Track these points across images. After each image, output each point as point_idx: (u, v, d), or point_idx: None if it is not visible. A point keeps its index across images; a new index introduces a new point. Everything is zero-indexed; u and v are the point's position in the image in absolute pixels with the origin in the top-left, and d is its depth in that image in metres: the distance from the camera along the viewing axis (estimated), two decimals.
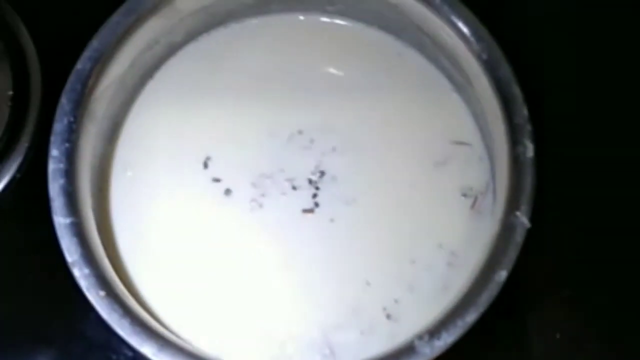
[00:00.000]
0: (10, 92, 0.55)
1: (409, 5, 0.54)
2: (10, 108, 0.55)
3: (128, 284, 0.51)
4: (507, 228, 0.48)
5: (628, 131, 0.57)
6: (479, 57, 0.51)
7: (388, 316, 0.52)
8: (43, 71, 0.57)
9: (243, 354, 0.51)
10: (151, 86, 0.58)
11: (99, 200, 0.54)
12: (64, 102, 0.51)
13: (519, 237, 0.47)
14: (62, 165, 0.50)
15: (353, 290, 0.53)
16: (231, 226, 0.54)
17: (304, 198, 0.55)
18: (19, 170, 0.55)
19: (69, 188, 0.49)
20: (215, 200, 0.55)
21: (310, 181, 0.55)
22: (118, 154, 0.56)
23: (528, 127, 0.50)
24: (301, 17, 0.59)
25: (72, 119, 0.50)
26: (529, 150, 0.49)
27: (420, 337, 0.46)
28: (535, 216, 0.48)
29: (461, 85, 0.56)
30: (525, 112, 0.50)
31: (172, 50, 0.58)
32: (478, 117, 0.55)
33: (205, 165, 0.56)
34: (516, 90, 0.50)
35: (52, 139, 0.50)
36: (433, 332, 0.46)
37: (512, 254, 0.47)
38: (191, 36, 0.58)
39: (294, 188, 0.55)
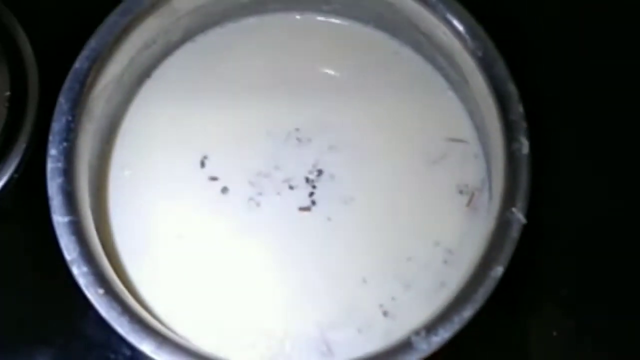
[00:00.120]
0: (8, 93, 0.55)
1: (405, 4, 0.54)
2: (8, 109, 0.55)
3: (126, 282, 0.51)
4: (503, 224, 0.48)
5: (625, 127, 0.58)
6: (474, 55, 0.52)
7: (385, 313, 0.52)
8: (40, 72, 0.57)
9: (241, 351, 0.51)
10: (148, 85, 0.58)
11: (97, 199, 0.54)
12: (62, 102, 0.51)
13: (515, 233, 0.47)
14: (60, 164, 0.50)
15: (350, 288, 0.53)
16: (228, 224, 0.54)
17: (301, 197, 0.55)
18: (16, 170, 0.55)
19: (68, 187, 0.49)
20: (212, 198, 0.55)
21: (307, 180, 0.55)
22: (116, 153, 0.56)
23: (523, 124, 0.50)
24: (297, 17, 0.59)
25: (70, 118, 0.51)
26: (525, 147, 0.49)
27: (417, 332, 0.46)
28: (532, 213, 0.48)
29: (457, 83, 0.56)
30: (520, 109, 0.50)
31: (169, 49, 0.58)
32: (474, 115, 0.55)
33: (202, 164, 0.56)
34: (511, 88, 0.51)
35: (51, 138, 0.50)
36: (430, 327, 0.46)
37: (508, 250, 0.47)
38: (188, 36, 0.58)
39: (291, 187, 0.55)
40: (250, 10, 0.58)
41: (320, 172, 0.55)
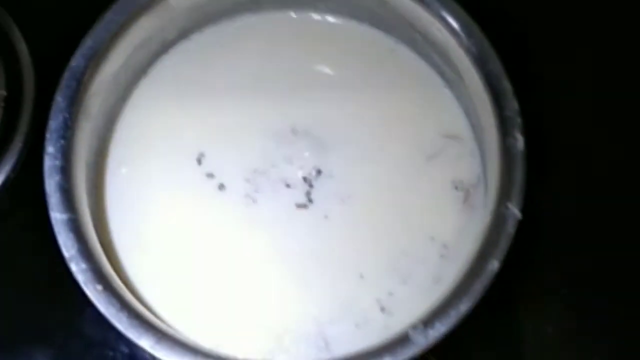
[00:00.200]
0: (3, 92, 0.55)
1: (400, 2, 0.54)
2: (4, 108, 0.55)
3: (124, 278, 0.52)
4: (498, 219, 0.48)
5: (621, 122, 0.58)
6: (469, 52, 0.52)
7: (382, 309, 0.52)
8: (36, 71, 0.57)
9: (239, 347, 0.51)
10: (145, 83, 0.58)
11: (94, 197, 0.54)
12: (59, 100, 0.51)
13: (510, 228, 0.48)
14: (57, 162, 0.50)
15: (347, 284, 0.53)
16: (225, 221, 0.54)
17: (298, 194, 0.55)
18: (13, 169, 0.55)
19: (65, 184, 0.49)
20: (209, 195, 0.55)
21: (303, 177, 0.55)
22: (112, 151, 0.56)
23: (518, 120, 0.50)
24: (293, 15, 0.59)
25: (67, 115, 0.51)
26: (520, 142, 0.49)
27: (414, 327, 0.46)
28: (527, 209, 0.48)
29: (452, 80, 0.56)
30: (515, 105, 0.50)
31: (165, 47, 0.58)
32: (469, 111, 0.55)
33: (199, 162, 0.56)
34: (506, 84, 0.51)
35: (48, 136, 0.50)
36: (427, 322, 0.46)
37: (504, 245, 0.47)
38: (184, 34, 0.58)
39: (288, 184, 0.55)
40: (245, 8, 0.59)
41: (316, 169, 0.55)
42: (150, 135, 0.56)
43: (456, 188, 0.55)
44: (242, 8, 0.59)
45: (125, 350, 0.53)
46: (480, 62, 0.51)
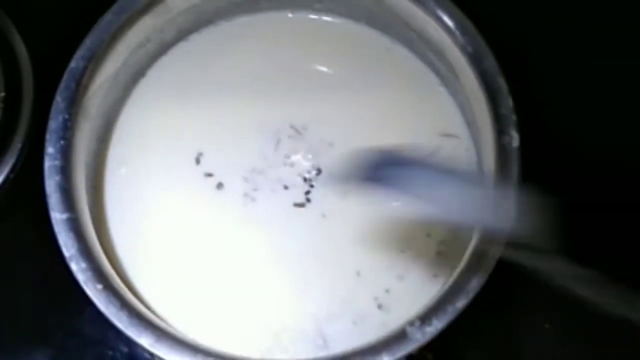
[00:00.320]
0: (3, 94, 0.55)
1: (396, 1, 0.54)
2: (3, 109, 0.55)
3: (123, 277, 0.52)
4: None
5: (616, 120, 0.58)
6: (464, 51, 0.52)
7: (379, 306, 0.52)
8: (35, 72, 0.57)
9: (238, 345, 0.51)
10: (143, 84, 0.58)
11: (93, 197, 0.54)
12: (59, 100, 0.51)
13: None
14: (57, 162, 0.50)
15: (344, 282, 0.53)
16: (224, 220, 0.54)
17: (296, 192, 0.55)
18: (12, 170, 0.55)
19: (65, 184, 0.49)
20: (208, 194, 0.55)
21: (303, 177, 0.55)
22: (111, 152, 0.56)
23: (513, 118, 0.50)
24: (290, 15, 0.59)
25: (67, 116, 0.51)
26: (515, 140, 0.50)
27: (411, 323, 0.46)
28: None
29: (447, 78, 0.56)
30: (510, 102, 0.51)
31: (163, 48, 0.58)
32: (464, 109, 0.56)
33: (198, 161, 0.56)
34: (501, 82, 0.51)
35: (48, 136, 0.50)
36: (424, 318, 0.46)
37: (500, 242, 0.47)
38: (182, 34, 0.59)
39: (285, 183, 0.55)
40: (243, 9, 0.59)
41: (314, 168, 0.56)
42: (149, 135, 0.57)
43: None
44: (240, 9, 0.59)
45: (125, 349, 0.54)
46: (475, 61, 0.52)
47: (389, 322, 0.51)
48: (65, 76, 0.52)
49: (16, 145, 0.55)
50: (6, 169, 0.55)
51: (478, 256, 0.48)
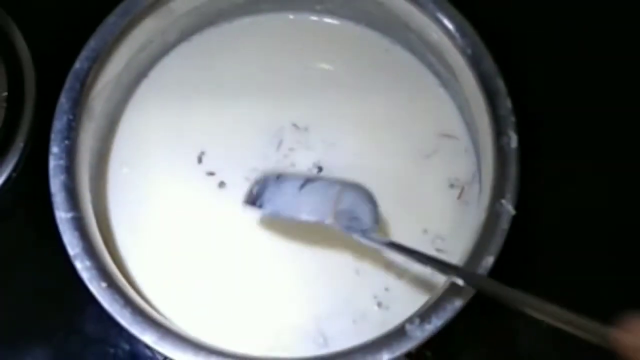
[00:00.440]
0: (5, 93, 0.56)
1: (396, 3, 0.54)
2: (6, 109, 0.55)
3: (126, 275, 0.52)
4: (493, 215, 0.48)
5: (613, 120, 0.58)
6: (463, 52, 0.52)
7: (379, 304, 0.53)
8: (37, 72, 0.58)
9: (239, 343, 0.50)
10: (146, 84, 0.58)
11: (96, 196, 0.54)
12: (63, 101, 0.51)
13: (504, 224, 0.48)
14: (62, 162, 0.50)
15: (344, 280, 0.53)
16: (226, 218, 0.55)
17: None
18: (15, 169, 0.56)
19: (70, 184, 0.50)
20: (210, 193, 0.56)
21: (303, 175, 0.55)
22: (114, 151, 0.57)
23: (512, 119, 0.50)
24: (291, 16, 0.60)
25: (71, 117, 0.51)
26: (513, 140, 0.50)
27: (411, 321, 0.47)
28: (521, 205, 0.49)
29: (447, 79, 0.56)
30: (508, 104, 0.51)
31: (165, 49, 0.59)
32: (463, 110, 0.56)
33: (200, 160, 0.56)
34: (500, 84, 0.51)
35: (52, 136, 0.51)
36: (423, 316, 0.47)
37: (498, 240, 0.48)
38: (184, 35, 0.59)
39: None
40: (244, 10, 0.59)
41: (314, 166, 0.56)
42: (151, 134, 0.57)
43: (452, 185, 0.55)
44: (241, 10, 0.59)
45: (126, 347, 0.54)
46: (474, 62, 0.52)
47: (388, 320, 0.51)
48: (70, 77, 0.52)
49: (18, 145, 0.56)
50: (9, 168, 0.56)
51: (476, 255, 0.48)
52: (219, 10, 0.58)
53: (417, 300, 0.50)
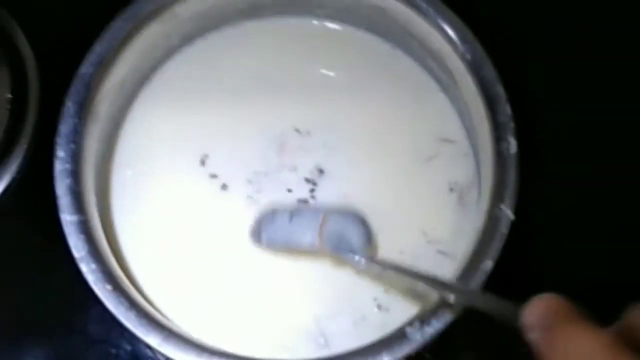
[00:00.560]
0: (9, 95, 0.56)
1: (397, 10, 0.55)
2: (9, 111, 0.55)
3: (129, 277, 0.52)
4: (492, 220, 0.49)
5: (612, 125, 0.58)
6: (464, 59, 0.53)
7: (379, 307, 0.53)
8: (40, 74, 0.58)
9: (241, 344, 0.51)
10: (149, 88, 0.58)
11: (100, 198, 0.54)
12: (69, 105, 0.52)
13: (503, 228, 0.48)
14: (68, 166, 0.50)
15: (344, 282, 0.54)
16: (228, 220, 0.55)
17: (299, 194, 0.56)
18: (18, 171, 0.56)
19: (76, 187, 0.50)
20: (212, 195, 0.56)
21: (305, 178, 0.56)
22: (118, 154, 0.57)
23: (511, 125, 0.51)
24: (292, 21, 0.60)
25: (77, 120, 0.51)
26: (512, 146, 0.50)
27: (411, 324, 0.47)
28: (519, 210, 0.49)
29: (447, 85, 0.57)
30: (508, 110, 0.51)
31: (169, 53, 0.59)
32: (463, 115, 0.56)
33: (203, 163, 0.57)
34: (499, 90, 0.51)
35: (58, 140, 0.51)
36: (423, 319, 0.47)
37: (497, 245, 0.48)
38: (187, 40, 0.59)
39: (289, 186, 0.56)
40: (246, 15, 0.59)
41: (316, 170, 0.56)
42: (154, 138, 0.57)
43: (451, 189, 0.56)
44: (243, 15, 0.59)
45: (128, 347, 0.54)
46: (474, 69, 0.52)
47: (388, 323, 0.51)
48: (76, 81, 0.52)
49: (22, 147, 0.56)
50: (12, 170, 0.56)
51: (476, 259, 0.48)
52: (221, 15, 0.59)
53: (416, 303, 0.51)
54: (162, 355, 0.48)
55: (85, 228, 0.49)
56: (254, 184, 0.56)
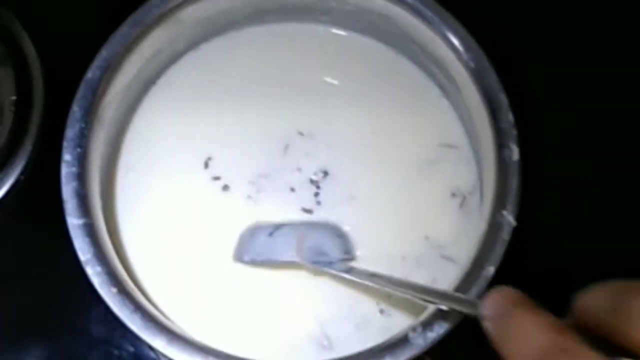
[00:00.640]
0: (14, 97, 0.56)
1: (401, 17, 0.55)
2: (14, 112, 0.56)
3: (133, 279, 0.52)
4: (494, 226, 0.49)
5: (614, 131, 0.59)
6: (467, 66, 0.53)
7: (381, 311, 0.53)
8: (45, 76, 0.58)
9: (244, 346, 0.51)
10: (154, 92, 0.59)
11: (104, 201, 0.54)
12: (76, 110, 0.52)
13: (505, 234, 0.49)
14: (74, 169, 0.51)
15: (348, 287, 0.54)
16: (232, 223, 0.55)
17: (302, 198, 0.56)
18: (23, 172, 0.56)
19: (82, 191, 0.50)
20: (216, 198, 0.56)
21: (310, 181, 0.56)
22: (122, 157, 0.57)
23: (513, 132, 0.51)
24: (297, 26, 0.60)
25: (83, 125, 0.52)
26: (515, 153, 0.50)
27: (413, 329, 0.47)
28: (521, 216, 0.49)
29: (450, 91, 0.57)
30: (510, 117, 0.51)
31: (174, 58, 0.59)
32: (466, 122, 0.56)
33: (206, 165, 0.57)
34: (502, 98, 0.52)
35: (65, 144, 0.51)
36: (425, 324, 0.47)
37: (499, 251, 0.48)
38: (192, 45, 0.59)
39: (292, 188, 0.56)
40: (251, 20, 0.60)
41: (321, 174, 0.57)
42: (159, 141, 0.57)
43: (453, 195, 0.56)
44: (248, 20, 0.59)
45: (130, 348, 0.54)
46: (477, 76, 0.52)
47: (390, 327, 0.52)
48: (82, 86, 0.52)
49: (27, 148, 0.56)
50: (17, 171, 0.56)
51: (478, 265, 0.48)
52: (226, 20, 0.59)
53: (418, 307, 0.51)
54: (166, 357, 0.48)
55: (90, 231, 0.49)
56: (257, 186, 0.56)
